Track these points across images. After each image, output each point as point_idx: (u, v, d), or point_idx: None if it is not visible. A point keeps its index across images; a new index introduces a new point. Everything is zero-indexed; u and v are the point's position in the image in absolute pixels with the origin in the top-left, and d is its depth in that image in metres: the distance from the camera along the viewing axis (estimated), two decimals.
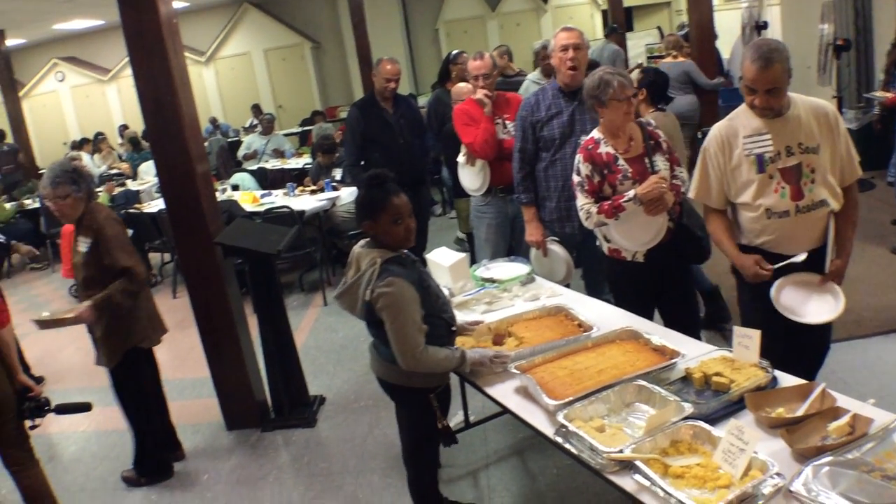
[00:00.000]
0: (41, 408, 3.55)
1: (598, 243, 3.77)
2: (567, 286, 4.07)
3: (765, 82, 2.97)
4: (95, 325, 3.97)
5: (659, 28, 13.95)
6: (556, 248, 4.31)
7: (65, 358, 6.64)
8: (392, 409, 3.38)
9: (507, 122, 4.75)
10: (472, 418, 4.23)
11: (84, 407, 3.72)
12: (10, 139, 13.80)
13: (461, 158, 4.93)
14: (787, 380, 2.56)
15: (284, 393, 4.70)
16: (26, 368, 5.67)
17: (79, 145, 13.59)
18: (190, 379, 4.96)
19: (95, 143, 13.52)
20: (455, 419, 4.17)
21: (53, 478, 3.82)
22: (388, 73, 5.74)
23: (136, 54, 4.24)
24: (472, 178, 4.88)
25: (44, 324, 3.93)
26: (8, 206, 10.55)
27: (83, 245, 3.92)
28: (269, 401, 4.80)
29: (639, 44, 12.45)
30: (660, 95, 4.96)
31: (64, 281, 8.73)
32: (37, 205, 10.21)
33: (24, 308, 8.41)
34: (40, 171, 11.75)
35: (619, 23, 12.17)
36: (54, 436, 5.09)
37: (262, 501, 3.99)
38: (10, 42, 14.21)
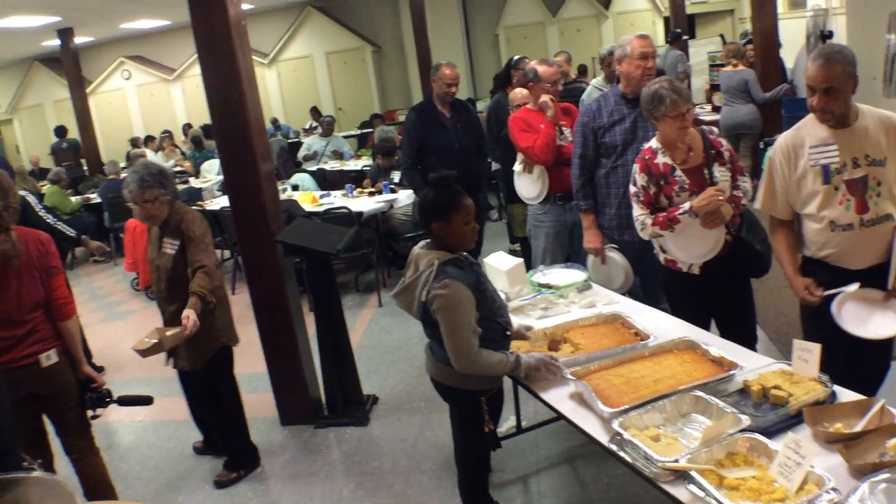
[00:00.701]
0: (103, 399, 3.61)
1: (655, 252, 3.75)
2: (624, 294, 4.05)
3: (822, 79, 2.92)
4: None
5: (722, 36, 13.78)
6: (614, 256, 4.29)
7: (125, 348, 6.79)
8: (444, 412, 3.41)
9: (563, 128, 4.75)
10: (524, 424, 4.24)
11: (145, 400, 3.76)
12: (73, 135, 14.22)
13: (517, 167, 4.92)
14: (847, 395, 2.53)
15: (339, 391, 4.76)
16: (88, 357, 5.82)
17: (143, 142, 13.93)
18: (246, 374, 5.03)
19: (161, 141, 13.85)
20: (507, 424, 4.18)
21: (110, 465, 3.91)
22: (447, 78, 5.77)
23: (205, 54, 4.34)
24: (529, 186, 4.87)
25: (147, 352, 3.77)
26: (74, 199, 10.87)
27: (170, 247, 3.93)
28: (323, 398, 4.87)
29: (701, 51, 12.30)
30: None
31: (126, 274, 8.95)
32: (101, 199, 10.51)
33: (87, 300, 8.68)
34: (104, 167, 12.13)
35: (681, 29, 12.08)
36: (112, 424, 5.22)
37: (314, 497, 4.04)
38: (79, 40, 14.54)
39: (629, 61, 4.10)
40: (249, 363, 5.33)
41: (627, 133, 4.14)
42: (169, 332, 3.73)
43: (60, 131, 13.95)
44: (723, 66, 9.14)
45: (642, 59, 4.06)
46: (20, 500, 1.66)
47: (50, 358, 3.44)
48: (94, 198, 11.04)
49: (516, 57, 6.80)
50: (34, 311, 3.42)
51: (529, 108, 4.88)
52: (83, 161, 13.98)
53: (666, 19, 14.91)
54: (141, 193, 3.85)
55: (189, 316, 3.75)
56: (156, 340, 3.70)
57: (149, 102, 17.93)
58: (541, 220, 4.91)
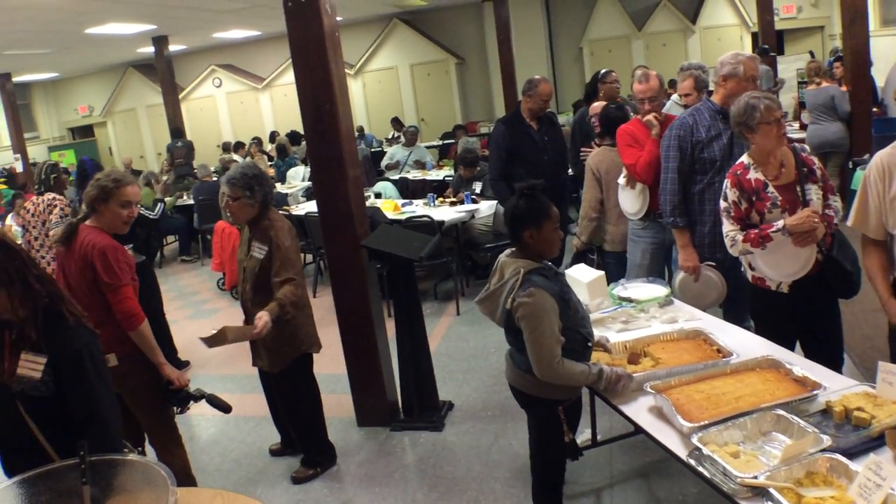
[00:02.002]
0: (181, 399, 3.70)
1: (742, 269, 3.72)
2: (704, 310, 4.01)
3: None
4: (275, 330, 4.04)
5: (811, 52, 13.48)
6: (710, 274, 4.20)
7: None
8: (519, 421, 3.43)
9: None
10: (599, 437, 4.23)
11: (226, 408, 3.78)
12: (165, 139, 14.75)
13: (621, 180, 4.85)
14: None
15: (415, 395, 4.83)
16: (174, 353, 6.03)
17: (234, 148, 14.34)
18: (324, 374, 5.16)
19: (249, 147, 14.24)
20: (582, 436, 4.17)
21: (192, 456, 4.08)
22: (545, 95, 5.85)
23: (299, 63, 4.47)
24: (631, 201, 4.80)
25: (216, 341, 3.89)
26: (166, 199, 11.27)
27: (259, 252, 4.04)
28: (400, 402, 4.94)
29: (789, 68, 12.06)
30: (608, 130, 5.04)
31: (212, 274, 9.26)
32: (191, 201, 10.87)
33: (174, 297, 8.97)
34: (193, 171, 12.55)
35: (770, 45, 11.87)
36: (195, 418, 5.37)
37: (387, 498, 4.11)
38: (173, 48, 15.04)
39: (737, 81, 4.03)
40: (329, 364, 5.44)
41: (725, 149, 4.08)
42: (235, 327, 3.85)
43: (177, 133, 14.49)
44: (808, 83, 8.96)
45: (750, 82, 4.01)
46: (115, 482, 1.74)
47: (109, 361, 3.49)
48: (185, 199, 11.41)
49: (604, 70, 6.78)
50: (90, 310, 3.47)
51: (639, 119, 4.81)
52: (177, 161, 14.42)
53: (754, 35, 14.64)
54: (229, 188, 4.01)
55: (262, 318, 3.85)
56: (216, 331, 3.81)
57: (238, 110, 18.45)
58: (639, 236, 4.83)
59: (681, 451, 2.53)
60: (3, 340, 2.46)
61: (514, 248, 3.09)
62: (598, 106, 5.74)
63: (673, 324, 3.65)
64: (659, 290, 4.03)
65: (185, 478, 3.88)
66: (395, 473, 4.35)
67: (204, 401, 3.75)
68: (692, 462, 2.43)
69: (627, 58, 15.42)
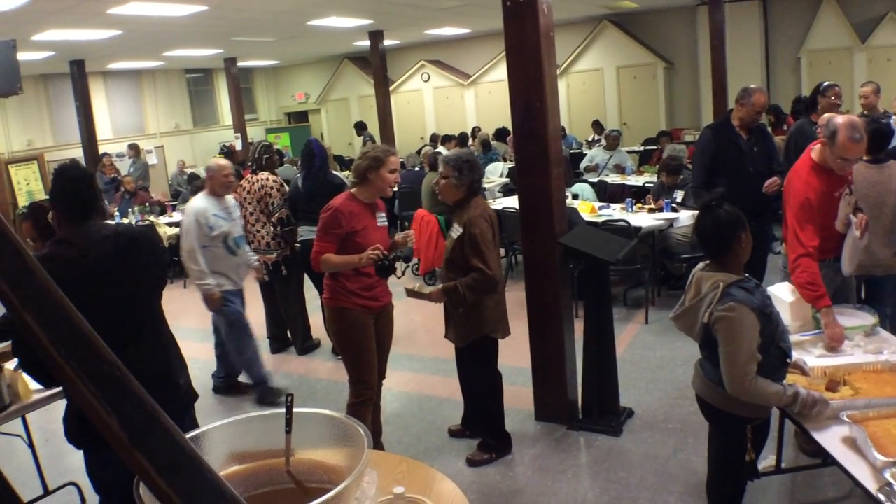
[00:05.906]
0: (388, 268, 4.21)
1: None
2: None
3: None
4: (455, 308, 4.34)
5: None
6: None
7: (402, 324, 7.31)
8: (700, 437, 3.38)
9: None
10: (783, 465, 4.08)
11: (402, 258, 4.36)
12: (373, 129, 15.38)
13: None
14: None
15: (596, 398, 4.85)
16: None
17: (442, 141, 14.82)
18: (507, 366, 5.30)
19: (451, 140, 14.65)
20: (765, 462, 4.04)
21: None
22: (759, 105, 5.65)
23: (513, 61, 4.62)
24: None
25: (410, 293, 4.53)
26: None
27: (455, 232, 4.30)
28: (580, 402, 4.98)
29: None
30: (876, 146, 4.56)
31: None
32: (394, 188, 11.32)
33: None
34: (404, 161, 13.06)
35: None
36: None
37: (558, 493, 4.17)
38: (387, 42, 15.80)
39: None
40: (512, 357, 5.54)
41: None
42: (422, 289, 4.52)
43: (362, 126, 15.19)
44: None
45: None
46: (317, 433, 1.84)
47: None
48: None
49: (826, 83, 6.45)
50: None
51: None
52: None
53: None
54: (444, 166, 4.33)
55: (437, 287, 4.36)
56: (415, 288, 4.59)
57: (443, 105, 18.96)
58: None
59: (870, 485, 2.44)
60: None
61: (709, 262, 3.04)
62: (826, 118, 5.45)
63: (878, 355, 3.46)
64: (866, 319, 3.82)
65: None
66: (568, 471, 4.40)
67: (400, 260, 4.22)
68: (881, 497, 2.34)
69: (848, 71, 14.45)
